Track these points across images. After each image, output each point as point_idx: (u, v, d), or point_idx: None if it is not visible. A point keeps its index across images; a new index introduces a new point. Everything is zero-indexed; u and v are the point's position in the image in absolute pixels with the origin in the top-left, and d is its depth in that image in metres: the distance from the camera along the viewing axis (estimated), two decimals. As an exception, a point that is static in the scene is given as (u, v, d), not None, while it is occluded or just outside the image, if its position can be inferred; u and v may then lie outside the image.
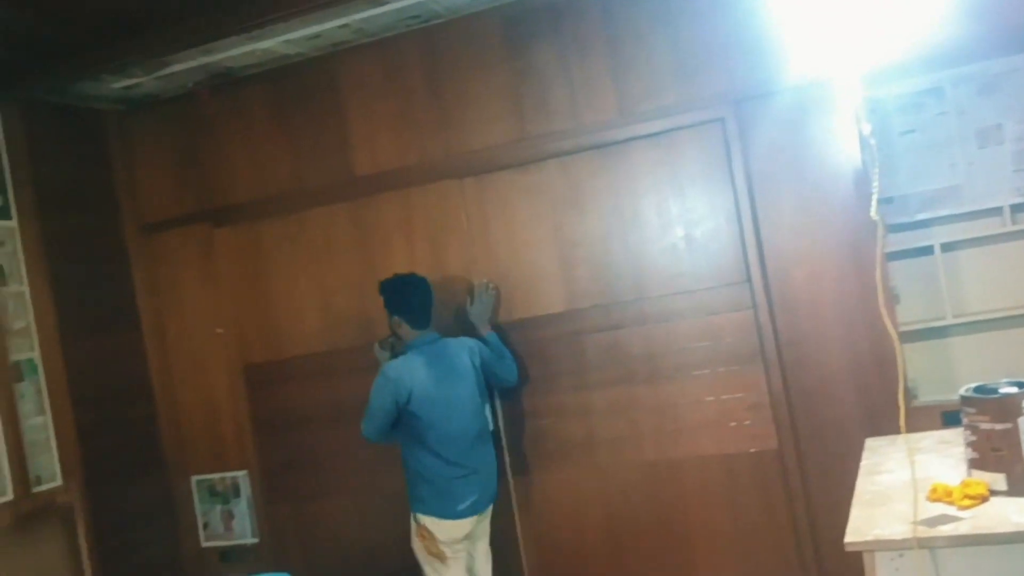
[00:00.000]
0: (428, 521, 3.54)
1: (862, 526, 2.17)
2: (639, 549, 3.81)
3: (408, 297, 3.63)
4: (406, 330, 3.62)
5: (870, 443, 2.93)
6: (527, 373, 3.93)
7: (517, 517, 3.97)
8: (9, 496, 3.67)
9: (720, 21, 3.62)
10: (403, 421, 3.54)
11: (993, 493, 2.21)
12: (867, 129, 3.30)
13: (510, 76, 3.91)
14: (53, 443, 3.91)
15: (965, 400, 2.33)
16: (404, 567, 3.71)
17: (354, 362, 4.00)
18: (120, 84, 4.15)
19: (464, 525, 3.57)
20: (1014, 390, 2.24)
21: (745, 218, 3.61)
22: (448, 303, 3.93)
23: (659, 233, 3.76)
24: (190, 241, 4.45)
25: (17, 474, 3.70)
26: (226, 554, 4.47)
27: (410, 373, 3.50)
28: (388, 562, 3.67)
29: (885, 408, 3.35)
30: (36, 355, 3.91)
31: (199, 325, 4.46)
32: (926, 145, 3.44)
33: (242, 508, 4.42)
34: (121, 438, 4.27)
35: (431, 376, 3.52)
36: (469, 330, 3.86)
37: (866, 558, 2.12)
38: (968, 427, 2.32)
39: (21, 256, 3.91)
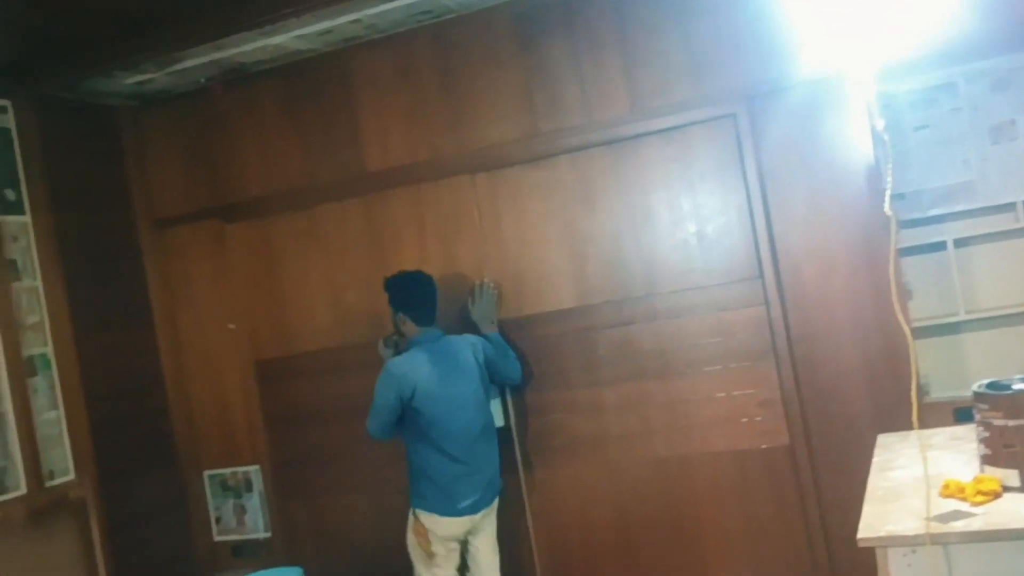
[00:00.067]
0: (426, 518, 3.55)
1: (874, 522, 2.17)
2: (650, 545, 3.81)
3: (413, 294, 3.64)
4: (410, 327, 3.63)
5: (882, 439, 2.93)
6: (532, 370, 3.93)
7: (528, 512, 3.98)
8: (23, 490, 3.69)
9: (732, 16, 3.61)
10: (407, 418, 3.55)
11: (1006, 489, 2.20)
12: (880, 125, 3.29)
13: (522, 72, 3.91)
14: (66, 438, 3.93)
15: (978, 396, 2.32)
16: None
17: (365, 358, 4.00)
18: (132, 80, 4.17)
19: (463, 523, 3.58)
20: (1027, 386, 2.24)
21: (757, 214, 3.60)
22: (455, 301, 3.93)
23: (671, 229, 3.75)
24: (202, 237, 4.47)
25: (30, 468, 3.72)
26: (238, 548, 4.49)
27: (414, 369, 3.51)
28: (399, 557, 3.68)
29: (897, 404, 3.34)
30: (49, 350, 3.93)
31: (211, 320, 4.47)
32: (939, 141, 3.43)
33: (254, 503, 4.45)
34: (134, 433, 4.29)
35: (435, 372, 3.53)
36: (473, 329, 3.86)
37: (879, 554, 2.12)
38: (981, 423, 2.31)
39: (34, 251, 3.93)
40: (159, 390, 4.48)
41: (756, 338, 3.62)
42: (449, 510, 3.53)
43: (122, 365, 4.29)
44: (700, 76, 3.67)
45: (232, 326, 4.42)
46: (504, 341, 3.83)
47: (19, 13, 3.43)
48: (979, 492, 2.17)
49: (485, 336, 3.81)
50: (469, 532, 3.65)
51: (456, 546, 3.64)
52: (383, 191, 4.13)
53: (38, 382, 3.86)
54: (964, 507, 2.14)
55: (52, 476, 3.84)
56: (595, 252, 3.85)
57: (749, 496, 3.66)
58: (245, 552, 4.46)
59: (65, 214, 4.07)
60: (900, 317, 2.51)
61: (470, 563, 3.74)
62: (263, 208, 4.33)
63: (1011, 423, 2.22)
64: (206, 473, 4.52)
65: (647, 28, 3.72)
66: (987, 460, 2.29)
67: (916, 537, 2.05)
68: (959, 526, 2.04)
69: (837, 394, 3.54)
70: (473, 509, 3.57)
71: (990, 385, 2.32)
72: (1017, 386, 2.27)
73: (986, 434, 2.29)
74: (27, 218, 3.93)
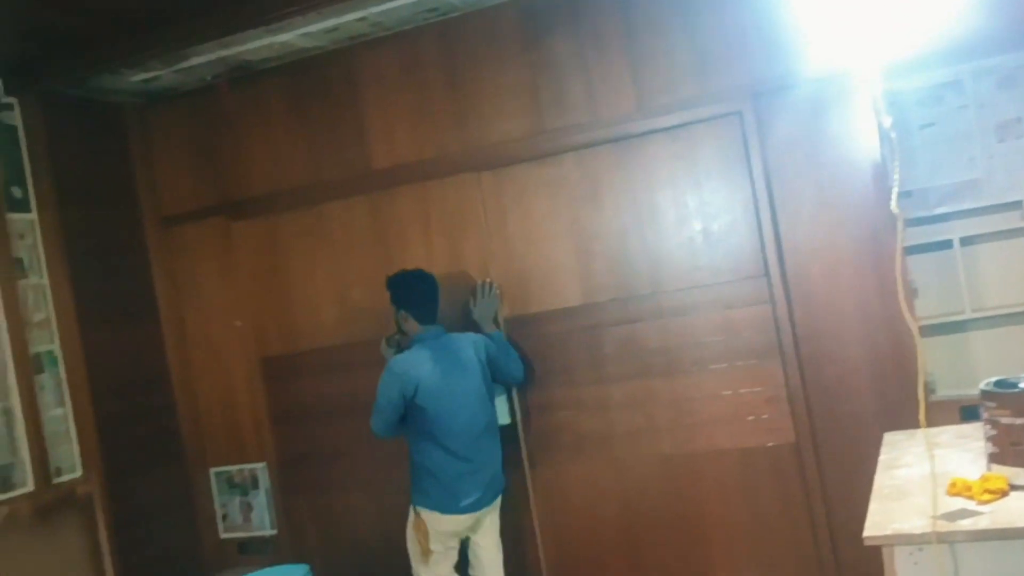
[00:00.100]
0: (428, 515, 3.56)
1: (881, 520, 2.17)
2: (656, 542, 3.82)
3: (415, 292, 3.66)
4: (412, 325, 3.64)
5: (888, 437, 2.93)
6: (538, 368, 3.94)
7: (534, 509, 3.98)
8: (30, 487, 3.71)
9: (738, 13, 3.61)
10: (410, 415, 3.56)
11: (1013, 488, 2.20)
12: (888, 122, 3.29)
13: (527, 69, 3.91)
14: (73, 435, 3.94)
15: (985, 394, 2.32)
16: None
17: (371, 355, 4.00)
18: (139, 77, 4.18)
19: (464, 520, 3.59)
20: (1034, 385, 2.24)
21: (763, 212, 3.60)
22: (458, 300, 3.94)
23: (676, 227, 3.75)
24: (208, 234, 4.48)
25: (38, 465, 3.73)
26: (245, 545, 4.50)
27: (416, 367, 3.52)
28: (405, 554, 3.68)
29: (903, 402, 3.34)
30: (56, 347, 3.94)
31: (217, 317, 4.49)
32: (945, 138, 3.42)
33: (261, 500, 4.46)
34: (140, 430, 4.30)
35: (437, 369, 3.53)
36: (475, 328, 3.86)
37: (885, 552, 2.12)
38: (988, 421, 2.31)
39: (41, 249, 3.95)
40: (165, 387, 4.49)
41: (762, 336, 3.62)
42: (451, 508, 3.54)
43: (128, 362, 4.30)
44: (706, 73, 3.67)
45: (238, 323, 4.43)
46: (506, 340, 3.84)
47: (26, 11, 3.44)
48: (986, 490, 2.17)
49: (487, 335, 3.82)
50: (471, 529, 3.66)
51: (455, 544, 3.65)
52: (389, 189, 4.14)
53: (45, 379, 3.87)
54: (971, 506, 2.14)
55: (59, 473, 3.86)
56: (601, 250, 3.85)
57: (755, 494, 3.66)
58: (251, 549, 4.48)
59: (71, 211, 4.08)
60: (907, 315, 2.50)
61: (473, 560, 3.74)
62: (269, 205, 4.34)
63: (1018, 421, 2.22)
64: (212, 470, 4.54)
65: (653, 25, 3.72)
66: (994, 458, 2.29)
67: (923, 535, 2.05)
68: (966, 525, 2.04)
69: (843, 392, 3.54)
70: (475, 507, 3.58)
71: (997, 383, 2.32)
72: (1024, 384, 2.27)
73: (993, 432, 2.29)
74: (33, 215, 3.95)
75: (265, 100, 4.34)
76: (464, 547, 3.73)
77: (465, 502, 3.55)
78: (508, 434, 3.95)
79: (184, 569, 4.41)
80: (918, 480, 2.40)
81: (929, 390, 3.41)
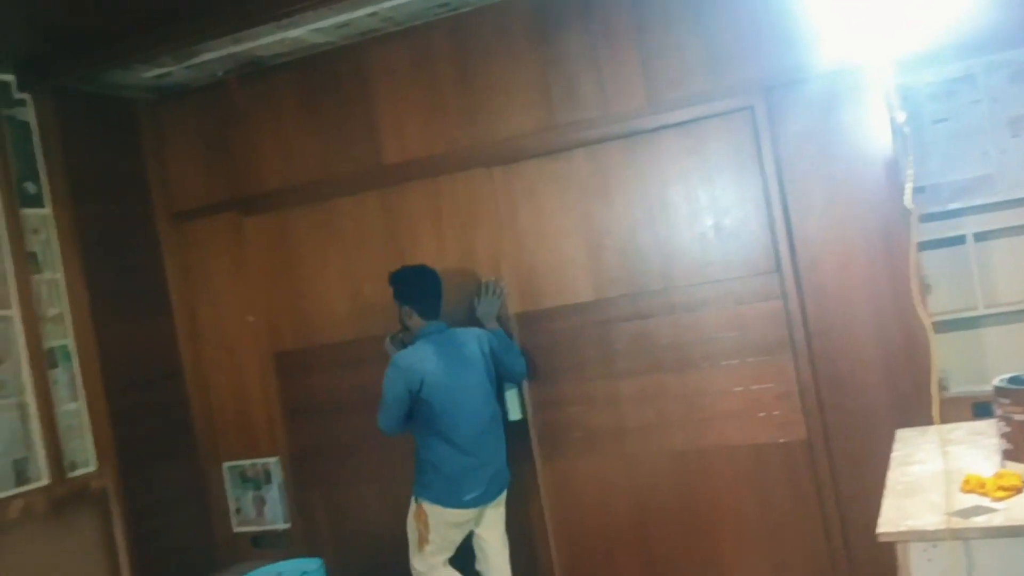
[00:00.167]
0: (430, 508, 3.58)
1: (895, 517, 2.17)
2: (667, 538, 3.82)
3: (417, 287, 3.67)
4: (416, 320, 3.66)
5: (901, 434, 2.92)
6: (545, 364, 3.96)
7: (545, 504, 3.99)
8: (45, 481, 3.74)
9: (750, 7, 3.59)
10: (416, 410, 3.58)
11: (1027, 485, 2.20)
12: (901, 117, 3.28)
13: (538, 64, 3.91)
14: (87, 429, 3.97)
15: (999, 391, 2.32)
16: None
17: (383, 350, 4.00)
18: (151, 73, 4.19)
19: (466, 515, 3.61)
20: (1049, 381, 2.23)
21: (775, 207, 3.59)
22: (466, 296, 3.96)
23: (688, 222, 3.75)
24: (220, 229, 4.49)
25: (52, 459, 3.76)
26: (258, 539, 4.53)
27: (421, 361, 3.53)
28: (417, 548, 3.71)
29: (915, 399, 3.34)
30: (70, 342, 3.97)
31: (230, 312, 4.51)
32: (958, 133, 3.41)
33: (274, 494, 4.48)
34: (154, 424, 4.33)
35: (442, 363, 3.55)
36: (479, 325, 3.87)
37: (899, 549, 2.12)
38: (1002, 418, 2.31)
39: (55, 244, 3.97)
40: (178, 382, 4.52)
41: (774, 332, 3.62)
42: (454, 502, 3.57)
43: (142, 357, 4.33)
44: (717, 68, 3.66)
45: (251, 318, 4.44)
46: (507, 337, 3.85)
47: (38, 7, 3.46)
48: (1000, 487, 2.17)
49: (491, 332, 3.83)
50: (473, 523, 3.68)
51: (456, 539, 3.67)
52: (400, 184, 4.14)
53: (59, 374, 3.90)
54: (985, 502, 2.14)
55: (73, 467, 3.89)
56: (612, 245, 3.85)
57: (766, 490, 3.67)
58: (264, 543, 4.50)
59: (85, 207, 4.11)
60: (921, 312, 2.50)
61: (479, 555, 3.77)
62: (281, 201, 4.35)
63: (1032, 418, 2.22)
64: (225, 464, 4.56)
65: (664, 20, 3.72)
66: (1008, 455, 2.29)
67: (937, 532, 2.05)
68: (980, 521, 2.04)
69: (855, 388, 3.53)
70: (478, 502, 3.60)
71: (1012, 380, 2.32)
72: (1039, 381, 2.27)
73: (1007, 429, 2.29)
74: (47, 211, 3.97)
75: (276, 96, 4.35)
76: (470, 541, 3.74)
77: (468, 497, 3.57)
78: (519, 429, 3.97)
79: (198, 563, 4.43)
80: (931, 477, 2.40)
81: (942, 387, 3.40)
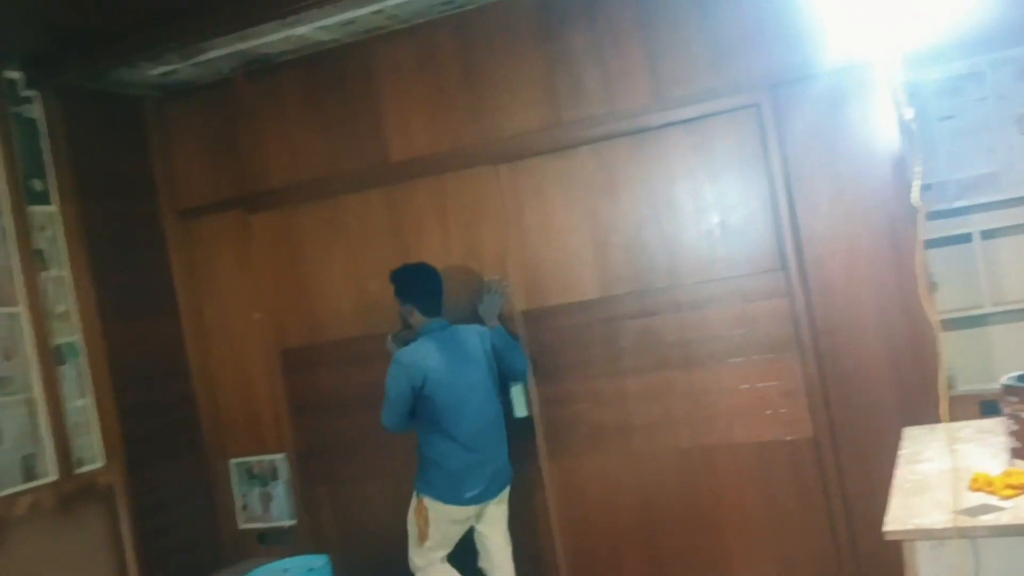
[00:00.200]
0: (431, 504, 3.60)
1: (902, 515, 2.17)
2: (673, 535, 3.83)
3: (419, 285, 3.68)
4: (417, 318, 3.67)
5: (908, 432, 2.92)
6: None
7: (551, 501, 4.00)
8: (53, 477, 3.75)
9: (756, 4, 3.59)
10: (419, 407, 3.59)
11: (1035, 483, 2.20)
12: (909, 114, 3.27)
13: (544, 62, 3.91)
14: (95, 425, 3.98)
15: (1008, 389, 2.32)
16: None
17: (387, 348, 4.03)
18: (157, 71, 4.19)
19: (466, 511, 3.63)
20: (1057, 380, 2.23)
21: (781, 205, 3.59)
22: (472, 294, 3.97)
23: (694, 220, 3.75)
24: (226, 226, 4.50)
25: (61, 455, 3.77)
26: (264, 536, 4.54)
27: (423, 358, 3.55)
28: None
29: (921, 397, 3.34)
30: (77, 338, 3.98)
31: (236, 309, 4.52)
32: (965, 131, 3.40)
33: (280, 490, 4.49)
34: (161, 421, 4.35)
35: (444, 360, 3.56)
36: (480, 322, 3.88)
37: (906, 547, 2.12)
38: (1010, 416, 2.31)
39: (62, 241, 3.98)
40: (185, 379, 4.53)
41: (779, 329, 3.62)
42: (455, 499, 3.58)
43: (149, 354, 4.34)
44: (723, 65, 3.66)
45: (257, 315, 4.45)
46: (508, 335, 3.85)
47: (45, 5, 3.46)
48: (1008, 486, 2.17)
49: (491, 330, 3.84)
50: (474, 520, 3.70)
51: (455, 535, 3.68)
52: (406, 181, 4.15)
53: (66, 370, 3.91)
54: (993, 501, 2.14)
55: (81, 463, 3.90)
56: (618, 243, 3.85)
57: (772, 487, 3.67)
58: (271, 539, 4.52)
59: (91, 204, 4.12)
60: (928, 310, 2.50)
61: (481, 552, 3.78)
62: (287, 198, 4.36)
63: (1040, 417, 2.21)
64: (232, 461, 4.57)
65: (669, 17, 3.71)
66: (1017, 453, 2.29)
67: (944, 531, 2.05)
68: (988, 520, 2.04)
69: (861, 386, 3.53)
70: (478, 499, 3.61)
71: (1020, 378, 2.32)
72: (1047, 380, 2.26)
73: (1015, 427, 2.29)
74: (54, 208, 3.98)
75: (282, 93, 4.35)
76: (472, 538, 3.75)
77: (469, 494, 3.58)
78: (525, 426, 3.97)
79: (204, 559, 4.45)
80: (939, 475, 2.40)
81: (949, 385, 3.40)
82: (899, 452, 2.71)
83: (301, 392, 4.40)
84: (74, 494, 3.83)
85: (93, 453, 3.96)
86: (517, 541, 3.82)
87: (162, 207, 4.55)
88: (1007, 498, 2.14)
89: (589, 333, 3.90)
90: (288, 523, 4.48)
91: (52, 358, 3.82)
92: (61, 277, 3.96)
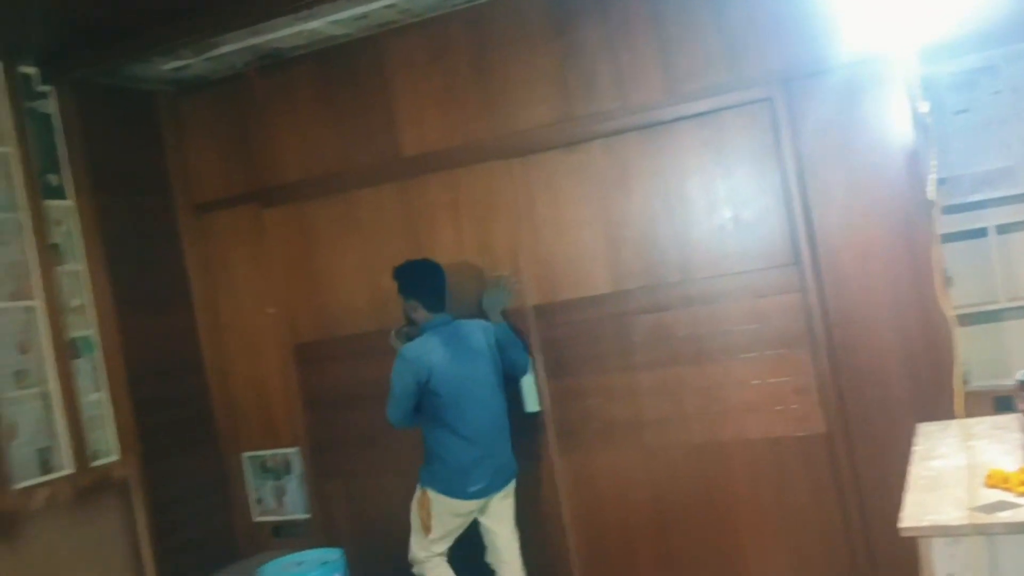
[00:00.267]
0: (434, 496, 3.62)
1: (917, 511, 2.17)
2: (685, 531, 3.83)
3: (423, 281, 3.70)
4: (421, 313, 3.69)
5: (923, 428, 2.91)
6: (567, 355, 3.96)
7: (563, 496, 4.01)
8: (69, 470, 3.77)
9: (769, -2, 3.58)
10: (424, 402, 3.60)
11: (1051, 480, 2.19)
12: (924, 108, 3.25)
13: (556, 56, 3.90)
14: (110, 419, 4.01)
15: (1022, 385, 2.31)
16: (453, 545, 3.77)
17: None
18: (170, 66, 4.21)
19: (470, 506, 3.64)
20: (1073, 376, 2.22)
21: (794, 199, 3.57)
22: (478, 289, 3.98)
23: (706, 214, 3.74)
24: (240, 221, 4.52)
25: (76, 448, 3.80)
26: (278, 529, 4.57)
27: (429, 353, 3.56)
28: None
29: (935, 392, 3.32)
30: (92, 332, 4.00)
31: (250, 304, 4.54)
32: (980, 124, 3.38)
33: (294, 484, 4.51)
34: (175, 415, 4.37)
35: (448, 354, 3.58)
36: (483, 317, 3.89)
37: (921, 544, 2.12)
38: (1025, 413, 2.30)
39: (77, 235, 4.00)
40: (199, 373, 4.55)
41: (792, 325, 3.61)
42: (459, 493, 3.59)
43: (163, 348, 4.37)
44: (736, 59, 3.64)
45: (271, 310, 4.47)
46: (511, 331, 3.86)
47: (60, 2, 3.48)
48: (1024, 482, 2.17)
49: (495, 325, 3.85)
50: (477, 514, 3.71)
51: (457, 528, 3.70)
52: (418, 176, 4.15)
53: (82, 364, 3.93)
54: (1009, 497, 2.13)
55: (96, 456, 3.92)
56: (630, 237, 3.85)
57: (785, 483, 3.66)
58: (285, 533, 4.55)
59: (106, 198, 4.14)
60: (944, 304, 2.49)
61: (489, 547, 3.79)
62: (300, 193, 4.37)
63: (1056, 413, 2.21)
64: (246, 455, 4.60)
65: (681, 10, 3.70)
66: (1031, 450, 2.28)
67: (960, 527, 2.05)
68: (1004, 517, 2.04)
69: (875, 382, 3.52)
70: (482, 494, 3.63)
71: (1035, 375, 2.31)
72: (1062, 376, 2.26)
73: (1030, 424, 2.28)
74: (69, 202, 4.00)
75: (295, 88, 4.36)
76: (478, 532, 3.76)
77: (473, 488, 3.59)
78: (536, 422, 3.98)
79: (218, 552, 4.48)
80: (954, 471, 2.39)
81: (963, 380, 3.38)
82: (913, 448, 2.70)
83: (314, 386, 4.41)
84: (90, 487, 3.86)
85: (108, 446, 3.99)
86: (528, 536, 3.83)
87: (176, 202, 4.57)
88: (1023, 495, 2.13)
89: (601, 328, 3.90)
90: (302, 516, 4.50)
91: (67, 352, 3.84)
92: (76, 271, 3.98)
